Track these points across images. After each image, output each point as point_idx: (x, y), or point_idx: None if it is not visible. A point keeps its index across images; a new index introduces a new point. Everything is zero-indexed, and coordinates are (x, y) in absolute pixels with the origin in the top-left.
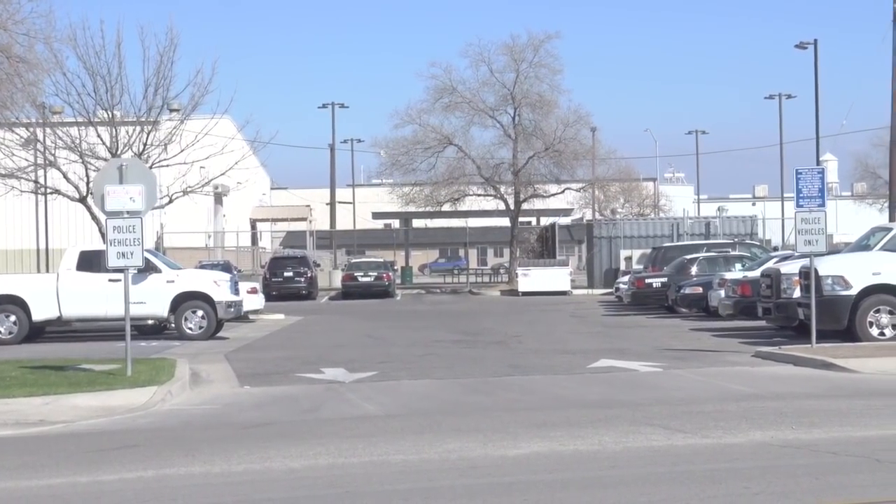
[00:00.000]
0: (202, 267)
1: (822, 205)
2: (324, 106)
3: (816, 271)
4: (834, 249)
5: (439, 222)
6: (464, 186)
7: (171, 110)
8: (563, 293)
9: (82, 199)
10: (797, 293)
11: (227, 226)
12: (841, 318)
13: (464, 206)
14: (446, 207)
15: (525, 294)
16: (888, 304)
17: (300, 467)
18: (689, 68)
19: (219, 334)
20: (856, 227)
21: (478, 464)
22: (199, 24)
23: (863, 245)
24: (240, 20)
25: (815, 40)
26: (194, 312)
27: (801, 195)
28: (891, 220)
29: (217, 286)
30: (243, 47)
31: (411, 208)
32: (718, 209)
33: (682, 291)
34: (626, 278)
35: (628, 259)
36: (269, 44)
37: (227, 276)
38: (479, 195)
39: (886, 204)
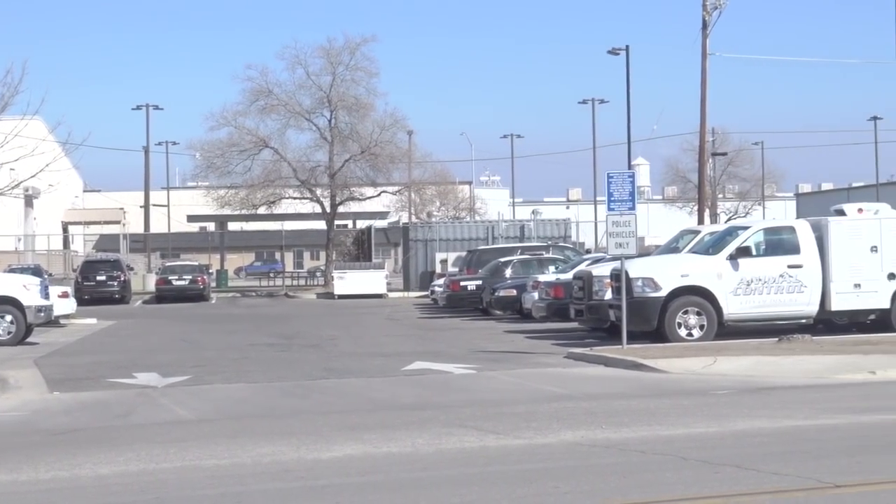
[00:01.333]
0: (11, 271)
1: (633, 208)
2: (138, 108)
3: (627, 273)
4: (645, 252)
5: (255, 225)
6: (280, 189)
7: None
8: (379, 296)
9: None
10: (609, 295)
11: (37, 229)
12: (651, 320)
13: (280, 208)
14: (262, 210)
15: (341, 297)
16: (696, 306)
17: (110, 473)
18: (505, 73)
19: (28, 339)
20: (667, 230)
21: (291, 467)
22: (9, 23)
23: (672, 248)
24: (52, 18)
25: (627, 46)
26: (2, 317)
27: (613, 198)
28: (700, 223)
29: (26, 290)
30: (56, 47)
31: (227, 211)
32: (533, 212)
33: (496, 294)
34: (441, 281)
35: (444, 262)
36: (82, 44)
37: (37, 279)
38: (295, 198)
39: (696, 207)
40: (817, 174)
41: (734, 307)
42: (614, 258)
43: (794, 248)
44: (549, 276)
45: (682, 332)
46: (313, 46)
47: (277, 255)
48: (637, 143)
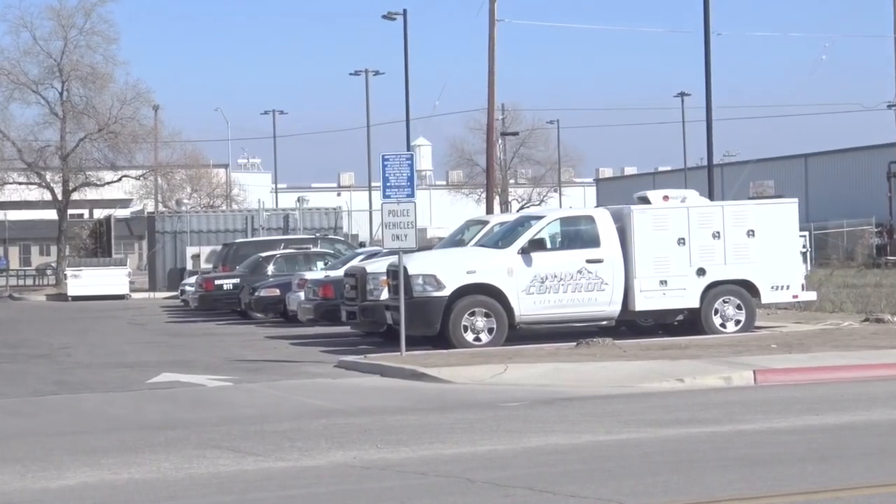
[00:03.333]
0: None
1: (412, 195)
2: None
3: (406, 270)
4: (427, 245)
5: None
6: (2, 173)
7: None
8: (121, 297)
9: None
10: (385, 295)
11: None
12: (433, 322)
13: (2, 195)
14: None
15: (76, 299)
16: (484, 306)
17: None
18: (267, 39)
19: None
20: (452, 220)
21: (14, 499)
22: None
23: (457, 240)
24: None
25: (405, 10)
26: None
27: (389, 184)
28: (489, 212)
29: None
30: None
31: None
32: (299, 200)
33: (256, 294)
34: (193, 279)
35: (196, 257)
36: None
37: None
38: (20, 183)
39: (484, 194)
40: (620, 157)
41: (527, 307)
42: (391, 252)
43: (593, 241)
44: (318, 273)
45: (469, 336)
46: (41, 6)
47: (0, 250)
48: (417, 120)
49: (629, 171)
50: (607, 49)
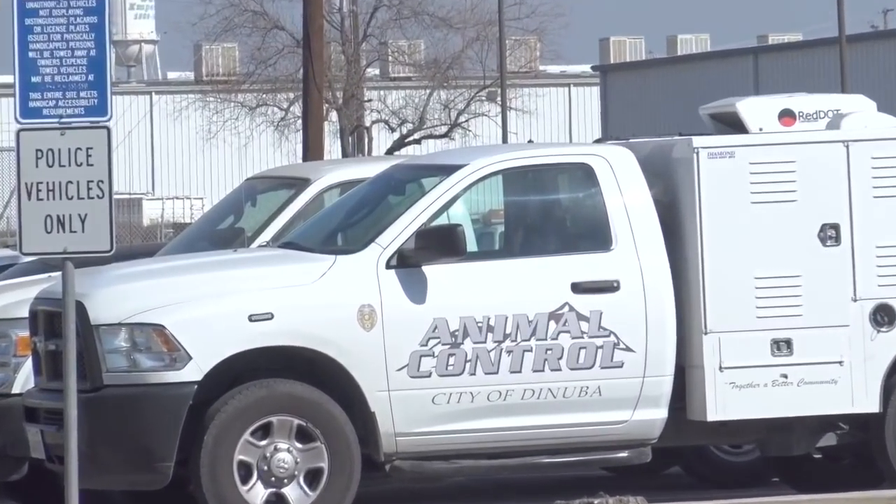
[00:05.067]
0: None
1: (104, 109)
2: None
3: (85, 311)
4: (144, 247)
5: None
6: None
7: None
8: None
9: None
10: (24, 381)
11: None
12: (157, 455)
13: None
14: None
15: None
16: (296, 411)
17: None
18: None
19: None
20: (213, 175)
21: None
22: None
23: (226, 232)
24: None
25: None
26: None
27: (37, 80)
28: (308, 153)
29: None
30: None
31: None
32: None
33: None
34: None
35: None
36: None
37: None
38: None
39: (297, 107)
40: (661, 12)
41: (414, 413)
42: (44, 267)
43: (592, 233)
44: None
45: (256, 491)
46: None
47: None
48: None
49: (688, 43)
50: None
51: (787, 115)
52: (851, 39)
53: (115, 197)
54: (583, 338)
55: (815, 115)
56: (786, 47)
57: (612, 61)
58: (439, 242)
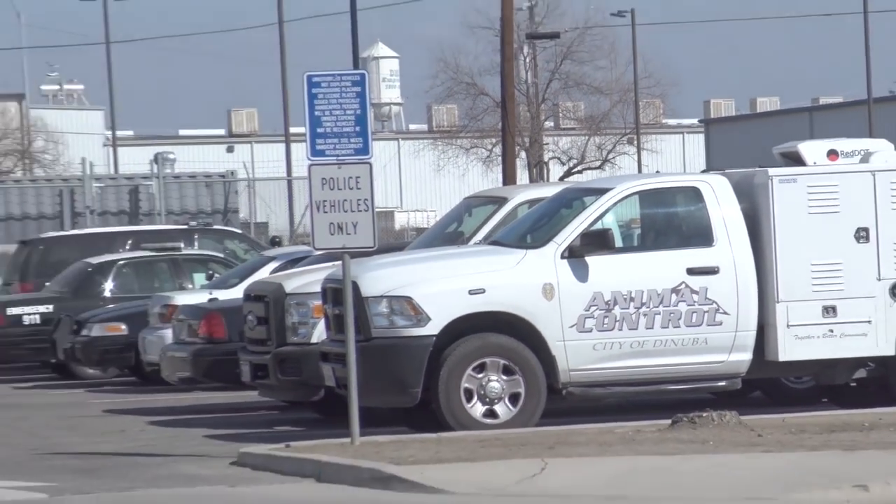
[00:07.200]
0: None
1: (366, 150)
2: None
3: (358, 288)
4: (395, 244)
5: None
6: None
7: None
8: None
9: None
10: (320, 334)
11: None
12: (409, 384)
13: None
14: None
15: None
16: (502, 355)
17: None
18: None
19: None
20: (441, 197)
21: None
22: None
23: (452, 233)
24: None
25: None
26: None
27: (321, 131)
28: (506, 181)
29: None
30: None
31: None
32: (158, 160)
33: (85, 333)
34: None
35: None
36: None
37: None
38: None
39: (498, 149)
40: (747, 82)
41: (581, 356)
42: (327, 257)
43: (700, 234)
44: (196, 294)
45: (476, 408)
46: None
47: None
48: (371, 12)
49: (764, 104)
50: None
51: (832, 153)
52: (877, 101)
53: (375, 209)
54: (694, 305)
55: (851, 153)
56: (831, 106)
57: (712, 116)
58: (596, 240)
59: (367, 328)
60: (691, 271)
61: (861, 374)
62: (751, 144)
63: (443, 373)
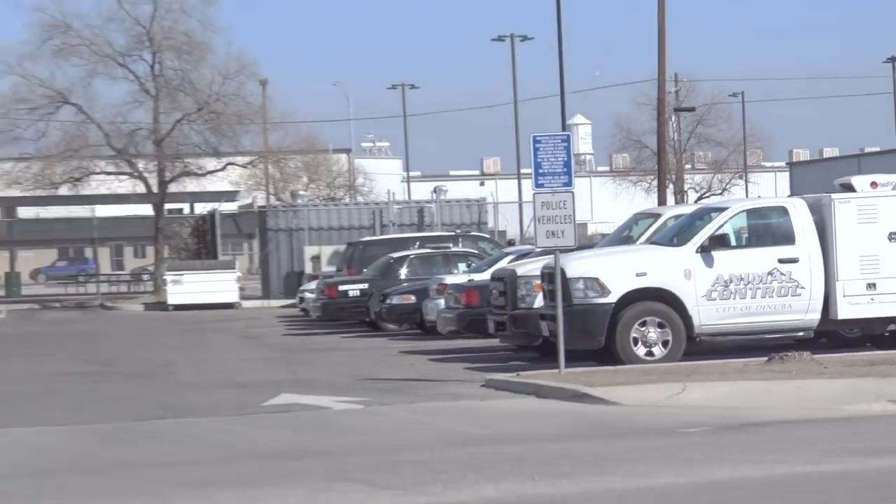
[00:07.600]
0: None
1: (569, 183)
2: None
3: (563, 272)
4: (587, 243)
5: (57, 211)
6: (87, 161)
7: None
8: (230, 306)
9: None
10: (539, 302)
11: None
12: (597, 334)
13: (89, 188)
14: (64, 191)
15: (178, 308)
16: (657, 315)
17: None
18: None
19: None
20: (617, 213)
21: None
22: None
23: (623, 237)
24: None
25: None
26: None
27: (541, 171)
28: (660, 203)
29: None
30: None
31: (15, 192)
32: (435, 191)
33: (388, 302)
34: (313, 285)
35: (316, 259)
36: None
37: None
38: (109, 173)
39: (655, 182)
40: (817, 136)
41: (708, 316)
42: (545, 252)
43: (786, 237)
44: (459, 276)
45: (640, 350)
46: None
47: (88, 252)
48: (574, 95)
49: (828, 152)
50: (802, 7)
51: (874, 184)
52: None
53: (575, 222)
54: (782, 283)
55: (887, 184)
56: (874, 153)
57: (794, 160)
58: (719, 241)
59: (570, 298)
60: (781, 261)
61: (893, 326)
62: (820, 178)
63: (619, 327)
